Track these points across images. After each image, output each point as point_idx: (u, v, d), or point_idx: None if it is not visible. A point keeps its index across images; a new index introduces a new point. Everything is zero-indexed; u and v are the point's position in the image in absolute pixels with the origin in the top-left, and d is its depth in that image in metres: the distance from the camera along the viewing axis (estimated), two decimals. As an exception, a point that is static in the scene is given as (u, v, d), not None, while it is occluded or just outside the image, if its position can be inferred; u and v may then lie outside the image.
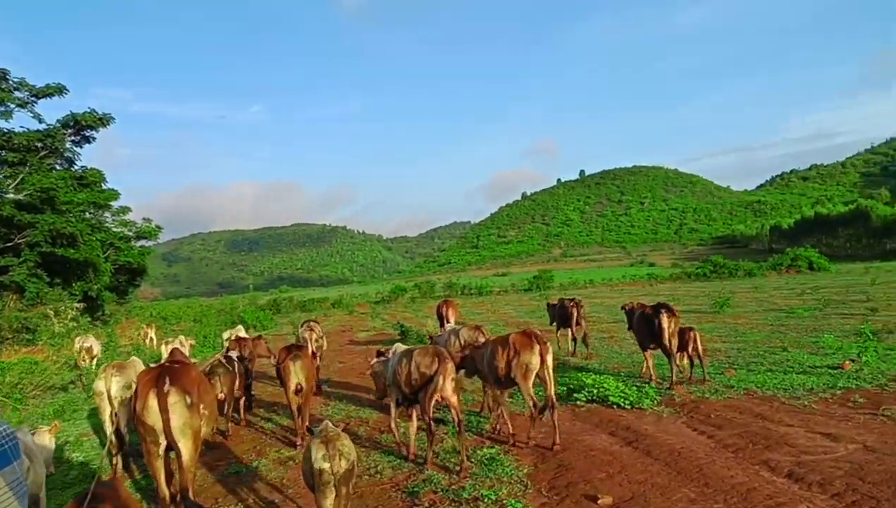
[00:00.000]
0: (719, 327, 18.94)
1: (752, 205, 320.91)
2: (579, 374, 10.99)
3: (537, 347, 7.49)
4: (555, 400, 7.79)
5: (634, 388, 10.05)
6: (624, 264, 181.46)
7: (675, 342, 10.44)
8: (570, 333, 15.07)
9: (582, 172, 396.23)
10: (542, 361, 7.50)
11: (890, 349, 12.29)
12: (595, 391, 9.93)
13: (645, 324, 10.73)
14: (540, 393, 8.56)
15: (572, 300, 15.10)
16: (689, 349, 10.79)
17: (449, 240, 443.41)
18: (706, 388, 10.34)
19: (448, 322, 14.89)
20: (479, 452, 7.69)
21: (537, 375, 7.57)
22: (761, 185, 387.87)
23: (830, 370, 10.98)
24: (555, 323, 15.90)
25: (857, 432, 7.42)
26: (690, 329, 10.91)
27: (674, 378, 10.47)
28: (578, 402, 9.89)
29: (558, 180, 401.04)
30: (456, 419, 7.16)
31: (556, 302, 16.04)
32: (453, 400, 7.13)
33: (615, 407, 9.49)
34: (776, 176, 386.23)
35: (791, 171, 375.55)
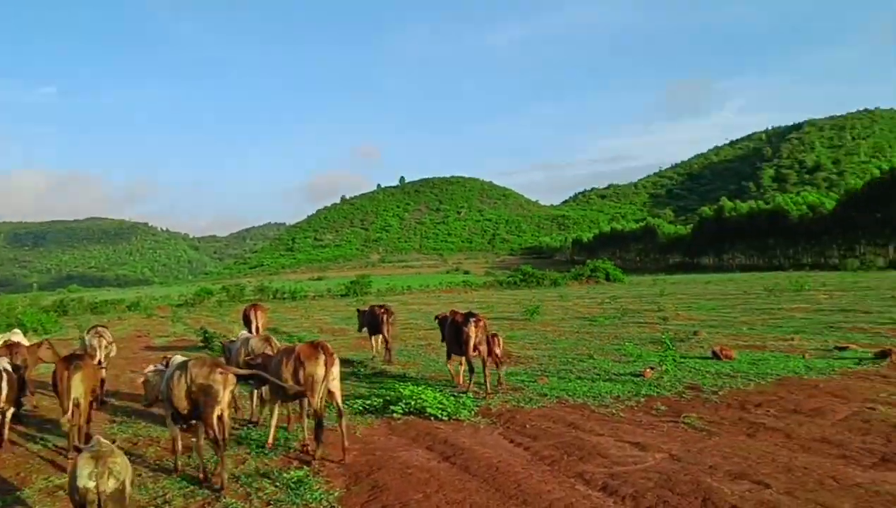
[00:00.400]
0: (531, 334, 19.76)
1: (557, 219, 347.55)
2: (396, 385, 10.69)
3: (322, 358, 7.44)
4: (342, 408, 7.78)
5: (452, 399, 9.93)
6: (440, 271, 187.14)
7: (483, 349, 10.69)
8: (381, 339, 15.38)
9: (402, 179, 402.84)
10: (328, 373, 7.43)
11: (683, 357, 13.44)
12: (412, 402, 9.67)
13: (454, 333, 10.96)
14: (331, 406, 8.29)
15: (382, 306, 15.54)
16: (496, 352, 11.22)
17: (262, 242, 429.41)
18: (521, 397, 10.52)
19: (256, 328, 14.53)
20: (285, 475, 7.04)
21: (325, 387, 7.46)
22: (566, 201, 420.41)
23: (633, 377, 11.69)
24: (364, 330, 16.09)
25: (663, 440, 7.82)
26: (494, 335, 11.34)
27: (488, 386, 10.75)
28: (395, 415, 9.57)
29: (378, 185, 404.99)
30: (217, 436, 6.72)
31: (366, 309, 16.32)
32: (225, 414, 6.92)
33: (433, 419, 9.29)
34: (578, 193, 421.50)
35: (591, 189, 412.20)
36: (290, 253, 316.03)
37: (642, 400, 10.00)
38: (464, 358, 11.28)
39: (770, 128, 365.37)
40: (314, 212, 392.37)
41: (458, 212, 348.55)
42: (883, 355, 11.73)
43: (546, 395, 10.59)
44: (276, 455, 7.98)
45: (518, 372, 13.05)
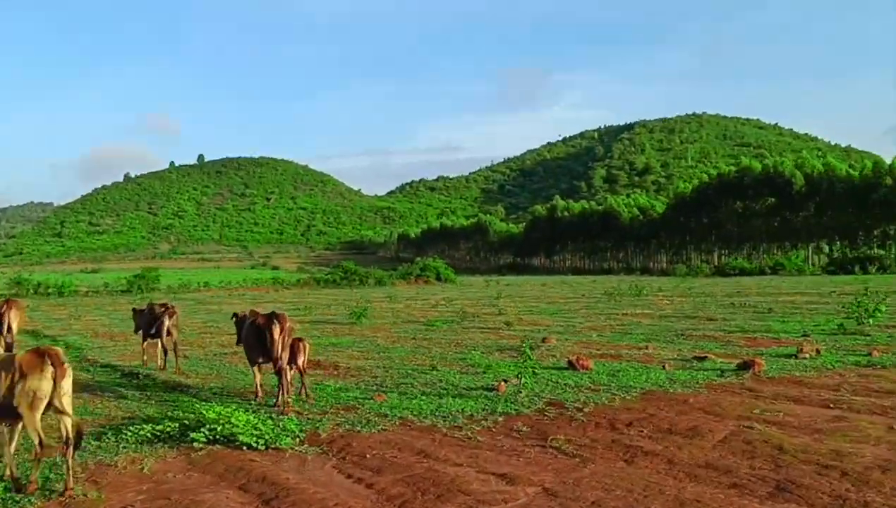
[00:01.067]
0: (360, 341, 18.88)
1: (381, 212, 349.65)
2: (196, 404, 9.33)
3: (49, 370, 6.69)
4: (71, 435, 6.67)
5: (270, 422, 8.79)
6: (244, 266, 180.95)
7: (286, 355, 10.54)
8: (159, 344, 14.81)
9: (201, 157, 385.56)
10: (56, 388, 6.70)
11: (537, 367, 13.25)
12: (219, 427, 8.38)
13: (255, 336, 10.68)
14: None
15: (164, 305, 15.11)
16: (299, 361, 11.04)
17: (22, 225, 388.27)
18: (356, 418, 9.60)
19: (9, 329, 13.74)
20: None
21: (52, 405, 6.65)
22: (392, 192, 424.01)
23: (486, 392, 11.18)
24: (140, 332, 15.52)
25: (532, 470, 7.25)
26: (300, 340, 11.23)
27: (286, 397, 10.41)
28: (196, 444, 8.24)
29: (172, 163, 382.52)
30: None
31: (143, 308, 15.83)
32: None
33: (246, 448, 8.07)
34: (406, 183, 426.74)
35: (420, 180, 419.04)
36: (57, 239, 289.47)
37: (500, 419, 9.46)
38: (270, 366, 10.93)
39: (602, 127, 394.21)
40: (90, 191, 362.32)
41: (268, 199, 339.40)
42: (745, 366, 12.19)
43: (386, 416, 9.74)
44: None
45: (349, 387, 12.11)
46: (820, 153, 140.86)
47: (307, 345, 11.34)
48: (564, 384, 11.63)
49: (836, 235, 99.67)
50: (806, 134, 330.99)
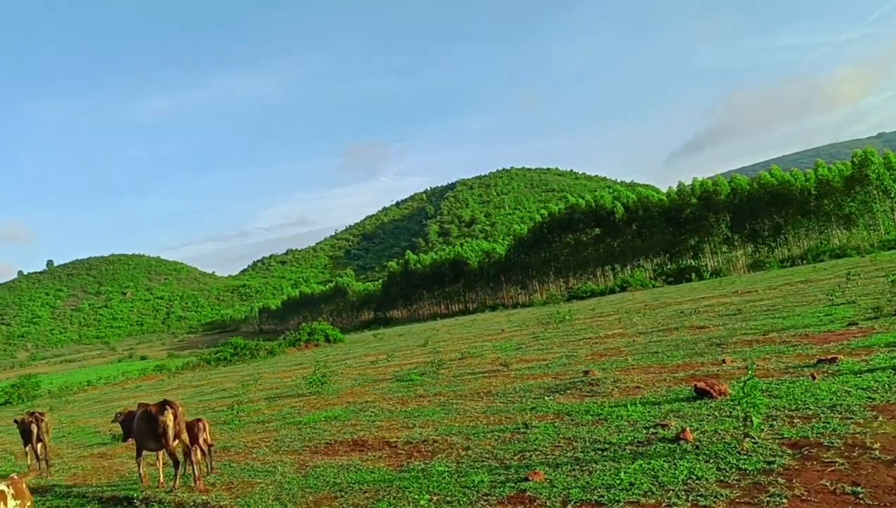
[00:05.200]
0: (360, 410, 14.53)
1: (237, 290, 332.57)
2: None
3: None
4: None
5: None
6: (110, 360, 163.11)
7: (185, 437, 10.13)
8: (30, 452, 13.97)
9: (50, 262, 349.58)
10: None
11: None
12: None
13: (147, 426, 10.22)
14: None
15: (32, 413, 14.36)
16: (200, 440, 10.56)
17: None
18: None
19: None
20: None
21: None
22: (244, 270, 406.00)
23: (666, 444, 7.67)
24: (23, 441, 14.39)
25: None
26: (199, 420, 10.80)
27: (196, 474, 10.01)
28: None
29: (20, 272, 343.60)
30: None
31: (19, 419, 14.71)
32: None
33: None
34: (257, 261, 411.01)
35: (270, 256, 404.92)
36: None
37: (743, 481, 6.01)
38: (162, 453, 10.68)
39: (429, 188, 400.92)
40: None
41: (124, 293, 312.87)
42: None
43: (601, 504, 6.01)
44: None
45: (452, 468, 8.14)
46: (611, 190, 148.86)
47: (206, 424, 10.77)
48: (742, 418, 8.29)
49: (658, 252, 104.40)
50: (596, 175, 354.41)
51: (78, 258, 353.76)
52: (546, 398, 12.17)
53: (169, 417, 9.93)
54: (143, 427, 10.32)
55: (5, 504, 6.51)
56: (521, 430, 9.88)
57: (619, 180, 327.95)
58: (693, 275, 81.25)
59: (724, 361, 12.52)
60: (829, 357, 10.79)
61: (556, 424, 9.92)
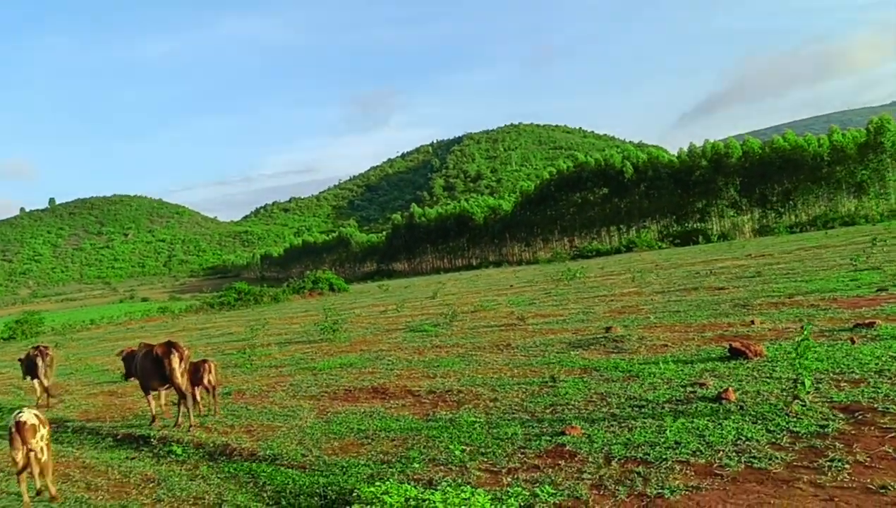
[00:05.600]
0: (375, 358, 14.32)
1: (239, 236, 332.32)
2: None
3: None
4: None
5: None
6: (111, 301, 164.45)
7: (186, 379, 10.24)
8: (37, 385, 14.40)
9: (52, 201, 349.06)
10: None
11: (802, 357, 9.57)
12: None
13: (153, 366, 10.28)
14: None
15: (37, 347, 14.73)
16: (205, 381, 10.76)
17: None
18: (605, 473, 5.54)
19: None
20: None
21: None
22: (247, 217, 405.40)
23: (708, 403, 7.41)
24: (28, 376, 14.83)
25: None
26: (205, 361, 10.95)
27: (191, 418, 10.12)
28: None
29: (22, 209, 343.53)
30: None
31: (26, 353, 15.10)
32: None
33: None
34: (260, 207, 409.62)
35: (273, 203, 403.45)
36: None
37: (798, 445, 5.76)
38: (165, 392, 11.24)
39: (435, 141, 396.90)
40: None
41: (125, 235, 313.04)
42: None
43: (647, 461, 5.74)
44: None
45: (490, 420, 7.89)
46: (620, 149, 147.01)
47: (213, 365, 10.98)
48: (785, 380, 8.02)
49: (665, 214, 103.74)
50: (605, 134, 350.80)
51: (80, 197, 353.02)
52: (571, 352, 11.93)
53: (175, 358, 10.04)
54: (149, 367, 10.34)
55: (39, 430, 7.22)
56: (550, 384, 9.65)
57: (628, 140, 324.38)
58: (700, 238, 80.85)
59: (752, 322, 12.22)
60: (865, 321, 10.48)
61: (584, 379, 9.68)
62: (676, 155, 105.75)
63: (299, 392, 12.02)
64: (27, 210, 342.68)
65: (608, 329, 13.57)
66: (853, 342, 9.38)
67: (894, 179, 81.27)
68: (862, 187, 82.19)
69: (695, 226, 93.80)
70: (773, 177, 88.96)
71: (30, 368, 14.47)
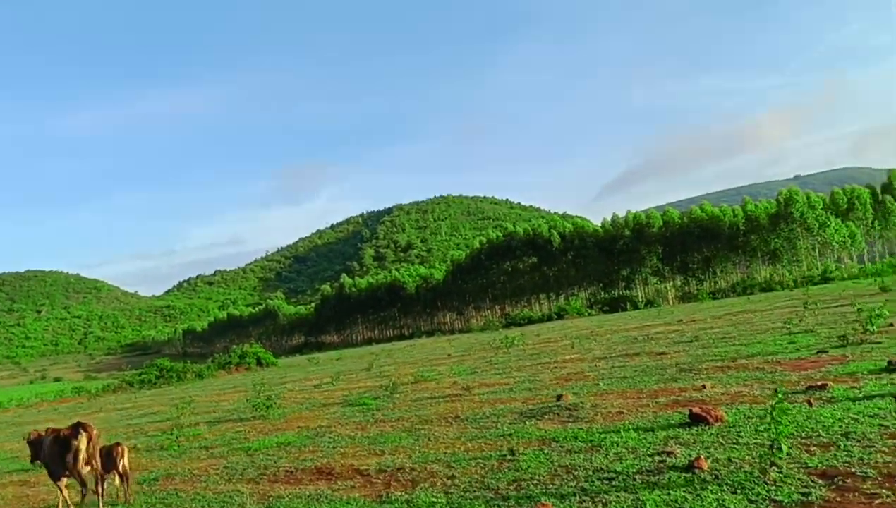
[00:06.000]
0: (316, 436, 13.44)
1: (161, 311, 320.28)
2: None
3: None
4: None
5: None
6: (20, 382, 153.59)
7: (97, 462, 9.67)
8: None
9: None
10: None
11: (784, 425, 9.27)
12: None
13: (60, 450, 9.73)
14: None
15: None
16: (119, 466, 10.12)
17: None
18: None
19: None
20: None
21: None
22: (169, 290, 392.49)
23: (679, 473, 7.08)
24: None
25: None
26: (118, 444, 10.32)
27: (101, 505, 9.46)
28: None
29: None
30: None
31: None
32: None
33: None
34: (183, 281, 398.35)
35: (197, 276, 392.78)
36: None
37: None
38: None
39: (365, 212, 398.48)
40: None
41: (38, 311, 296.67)
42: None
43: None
44: None
45: (455, 500, 7.30)
46: (546, 219, 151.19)
47: (125, 449, 10.24)
48: (754, 445, 7.81)
49: (592, 281, 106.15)
50: (531, 205, 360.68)
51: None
52: (525, 423, 11.46)
53: (83, 441, 9.50)
54: (55, 451, 9.82)
55: None
56: (509, 458, 9.12)
57: (552, 211, 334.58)
58: (628, 305, 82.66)
59: (704, 386, 12.10)
60: (818, 384, 10.50)
61: (545, 451, 9.21)
62: (601, 224, 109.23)
63: (235, 475, 11.05)
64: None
65: (559, 397, 13.20)
66: (810, 404, 9.33)
67: (805, 247, 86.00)
68: (776, 255, 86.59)
69: (621, 293, 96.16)
70: (693, 246, 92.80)
71: None
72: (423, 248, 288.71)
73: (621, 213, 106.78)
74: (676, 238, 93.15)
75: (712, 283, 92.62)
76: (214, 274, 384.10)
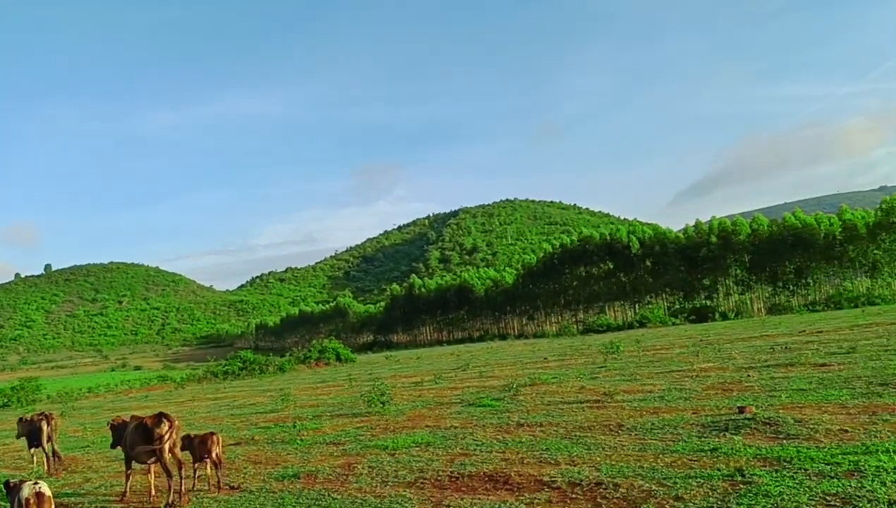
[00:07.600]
0: (463, 434, 12.12)
1: (234, 305, 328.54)
2: None
3: None
4: None
5: None
6: (101, 369, 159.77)
7: (178, 451, 10.03)
8: (42, 452, 14.05)
9: (48, 266, 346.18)
10: None
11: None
12: None
13: (142, 437, 9.90)
14: None
15: (42, 414, 14.28)
16: (213, 455, 10.31)
17: None
18: None
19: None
20: None
21: None
22: (242, 286, 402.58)
23: None
24: (27, 442, 14.25)
25: None
26: (212, 433, 10.52)
27: (181, 491, 9.67)
28: None
29: (17, 275, 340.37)
30: None
31: (28, 418, 14.44)
32: None
33: None
34: (256, 277, 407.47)
35: (269, 273, 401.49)
36: None
37: None
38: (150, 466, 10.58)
39: (431, 215, 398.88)
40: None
41: (119, 302, 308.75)
42: None
43: None
44: None
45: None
46: (624, 225, 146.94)
47: (218, 437, 10.51)
48: None
49: (671, 290, 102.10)
50: (600, 211, 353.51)
51: (76, 264, 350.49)
52: (719, 437, 9.84)
53: (164, 430, 9.79)
54: (136, 438, 10.11)
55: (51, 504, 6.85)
56: (736, 478, 7.57)
57: (622, 217, 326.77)
58: (717, 315, 78.58)
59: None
60: None
61: (781, 472, 7.61)
62: (683, 231, 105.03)
63: (388, 476, 9.87)
64: (22, 275, 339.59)
65: (741, 409, 11.50)
66: None
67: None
68: (876, 267, 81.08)
69: (702, 302, 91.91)
70: (785, 255, 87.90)
71: (33, 436, 13.92)
72: (489, 252, 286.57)
73: (703, 220, 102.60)
74: (766, 246, 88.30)
75: (805, 295, 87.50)
76: (286, 271, 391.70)
